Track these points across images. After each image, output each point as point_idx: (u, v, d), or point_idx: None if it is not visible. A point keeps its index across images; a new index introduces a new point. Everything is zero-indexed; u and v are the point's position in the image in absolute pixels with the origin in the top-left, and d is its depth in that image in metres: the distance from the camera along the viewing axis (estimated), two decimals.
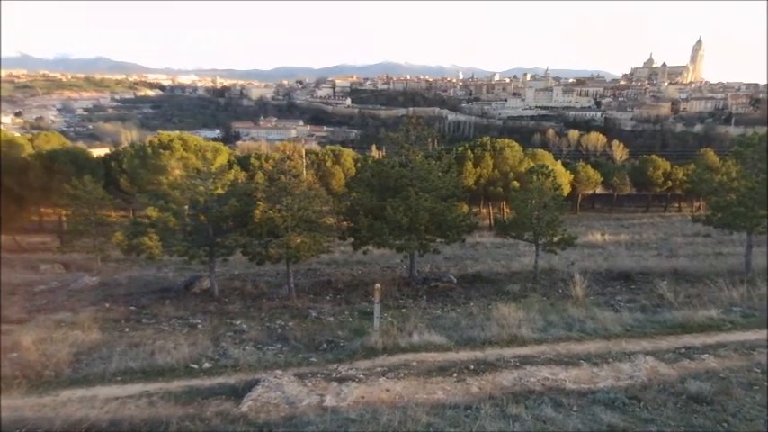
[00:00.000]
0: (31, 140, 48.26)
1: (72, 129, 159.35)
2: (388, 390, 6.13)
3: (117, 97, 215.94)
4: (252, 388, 6.23)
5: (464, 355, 7.54)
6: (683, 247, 26.16)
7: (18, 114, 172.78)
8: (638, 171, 53.11)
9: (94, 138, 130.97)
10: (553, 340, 8.20)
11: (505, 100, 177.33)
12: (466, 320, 9.60)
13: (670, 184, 51.09)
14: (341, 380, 6.45)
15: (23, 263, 22.75)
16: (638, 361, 7.12)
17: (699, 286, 12.48)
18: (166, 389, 6.64)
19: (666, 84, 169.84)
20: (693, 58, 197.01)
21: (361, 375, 6.56)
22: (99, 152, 49.58)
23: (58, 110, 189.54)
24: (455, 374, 6.61)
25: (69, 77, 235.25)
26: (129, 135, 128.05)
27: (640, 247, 27.09)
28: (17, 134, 78.99)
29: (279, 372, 7.09)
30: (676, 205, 55.00)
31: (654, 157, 53.75)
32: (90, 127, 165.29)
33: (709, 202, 16.58)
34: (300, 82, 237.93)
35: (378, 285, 8.12)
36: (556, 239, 14.48)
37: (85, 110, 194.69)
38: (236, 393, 6.25)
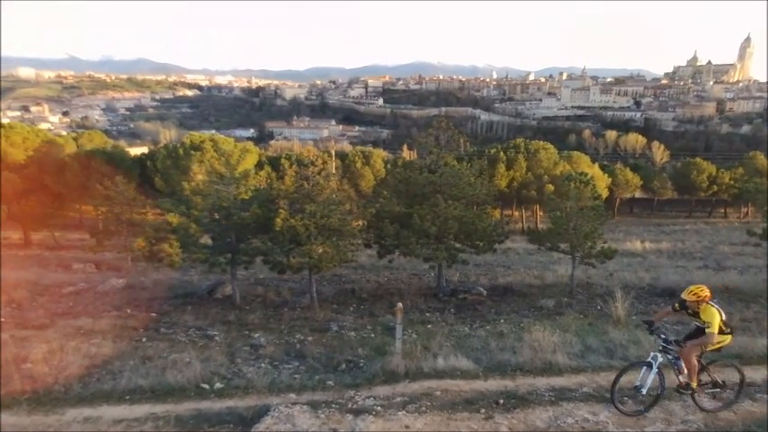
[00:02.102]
0: (75, 139, 50.10)
1: (115, 128, 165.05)
2: (407, 427, 5.58)
3: (157, 97, 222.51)
4: (261, 418, 5.79)
5: (493, 384, 6.91)
6: (732, 257, 24.55)
7: (65, 114, 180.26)
8: (680, 174, 50.63)
9: (135, 136, 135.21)
10: (592, 369, 7.46)
11: (540, 100, 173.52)
12: (496, 341, 8.93)
13: (715, 188, 48.49)
14: (357, 412, 5.93)
15: (58, 260, 23.26)
16: (691, 400, 6.32)
17: (754, 307, 11.42)
18: (174, 412, 6.28)
19: (712, 83, 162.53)
20: (741, 56, 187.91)
21: (379, 407, 6.02)
22: (139, 150, 50.92)
23: (102, 109, 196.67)
24: (482, 410, 5.99)
25: (113, 78, 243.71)
26: (167, 134, 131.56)
27: (684, 257, 25.64)
28: (63, 132, 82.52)
29: (293, 396, 6.65)
30: (722, 211, 52.23)
31: (698, 159, 51.14)
32: (131, 126, 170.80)
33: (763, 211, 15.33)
34: (333, 82, 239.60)
35: (400, 305, 7.56)
36: (594, 252, 13.57)
37: (127, 109, 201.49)
38: (245, 422, 5.82)
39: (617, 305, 10.87)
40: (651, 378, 5.74)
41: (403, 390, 6.73)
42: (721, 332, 5.72)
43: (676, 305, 6.01)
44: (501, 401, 6.23)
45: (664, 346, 5.89)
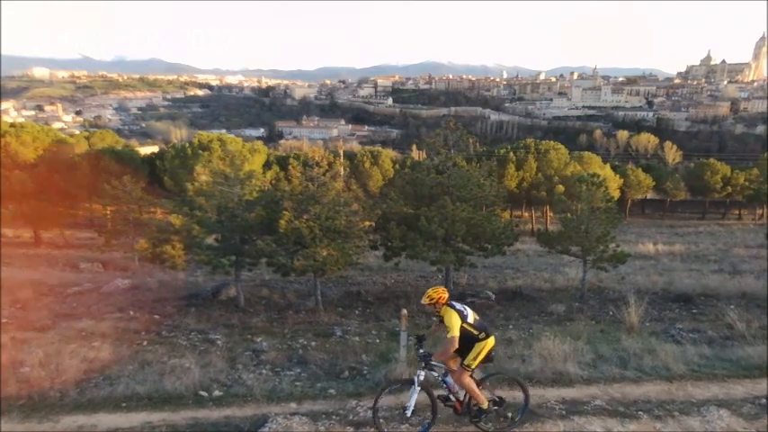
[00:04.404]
0: (87, 138, 50.55)
1: (126, 127, 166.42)
2: None
3: (168, 97, 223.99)
4: (259, 429, 5.58)
5: (501, 395, 6.62)
6: (748, 261, 24.00)
7: (78, 113, 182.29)
8: (693, 175, 49.83)
9: (147, 136, 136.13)
10: (605, 380, 7.16)
11: (551, 99, 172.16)
12: (504, 349, 8.63)
13: (729, 189, 47.64)
14: (358, 425, 5.69)
15: (66, 260, 23.30)
16: (710, 415, 6.02)
17: None
18: (171, 421, 6.09)
19: (726, 82, 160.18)
20: (756, 55, 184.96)
21: (382, 419, 5.76)
22: (150, 150, 51.16)
23: (115, 109, 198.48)
24: (490, 423, 5.72)
25: (125, 78, 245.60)
26: (178, 133, 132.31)
27: (698, 260, 25.12)
28: (76, 132, 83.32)
29: (293, 406, 6.43)
30: (736, 212, 51.32)
31: (712, 160, 50.27)
32: (143, 125, 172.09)
33: None
34: (343, 82, 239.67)
35: (405, 311, 7.32)
36: (606, 255, 13.21)
37: (139, 109, 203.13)
38: None
39: (630, 311, 10.51)
40: (414, 398, 5.21)
41: (407, 400, 6.47)
42: (470, 336, 5.19)
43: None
44: (509, 414, 5.95)
45: (426, 362, 5.28)
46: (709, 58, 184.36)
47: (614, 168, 46.05)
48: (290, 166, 14.55)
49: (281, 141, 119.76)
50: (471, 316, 5.26)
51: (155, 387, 6.95)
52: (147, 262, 12.48)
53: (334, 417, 5.90)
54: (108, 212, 27.38)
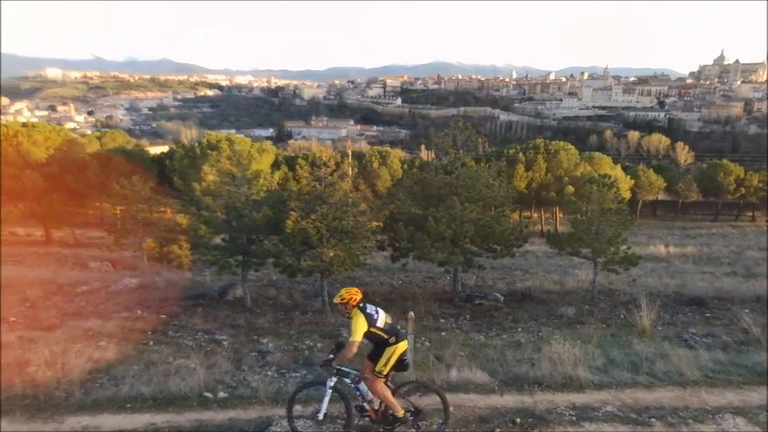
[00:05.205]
0: (99, 138, 51.03)
1: (137, 127, 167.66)
2: None
3: (179, 97, 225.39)
4: None
5: (510, 400, 6.51)
6: (761, 263, 23.52)
7: (90, 113, 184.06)
8: (705, 176, 49.13)
9: (157, 135, 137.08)
10: (616, 385, 7.00)
11: (561, 99, 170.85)
12: (513, 352, 8.51)
13: (743, 191, 46.93)
14: (362, 429, 5.59)
15: (76, 258, 23.45)
16: (726, 423, 5.85)
17: None
18: (175, 422, 6.04)
19: (739, 82, 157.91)
20: None
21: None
22: (160, 150, 51.50)
23: (126, 109, 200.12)
24: (498, 430, 5.61)
25: (136, 78, 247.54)
26: (188, 133, 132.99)
27: (710, 263, 24.73)
28: (88, 131, 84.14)
29: (298, 408, 6.34)
30: (749, 214, 50.53)
31: (725, 161, 49.55)
32: (153, 125, 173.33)
33: None
34: (352, 82, 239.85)
35: (411, 314, 7.22)
36: (617, 258, 13.00)
37: (150, 109, 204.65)
38: None
39: (642, 314, 10.32)
40: (326, 401, 5.09)
41: (414, 404, 6.37)
42: (381, 341, 5.04)
43: None
44: (518, 420, 5.83)
45: (337, 369, 5.12)
46: (722, 57, 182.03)
47: (625, 169, 45.58)
48: (297, 166, 14.51)
49: (290, 141, 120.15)
50: (382, 319, 5.09)
51: (159, 388, 6.91)
52: (155, 261, 12.46)
53: (338, 420, 5.81)
54: (117, 212, 27.58)
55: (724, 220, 49.24)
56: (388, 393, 5.15)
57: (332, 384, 5.14)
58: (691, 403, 6.46)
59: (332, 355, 5.22)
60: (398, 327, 5.34)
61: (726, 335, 9.95)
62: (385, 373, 5.09)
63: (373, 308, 5.15)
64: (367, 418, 5.31)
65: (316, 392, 5.80)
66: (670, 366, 7.62)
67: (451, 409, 5.56)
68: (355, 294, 5.09)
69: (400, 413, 5.15)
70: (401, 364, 5.21)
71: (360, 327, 4.92)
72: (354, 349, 4.94)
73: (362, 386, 5.21)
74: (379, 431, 5.32)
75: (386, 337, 5.07)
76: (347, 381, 5.23)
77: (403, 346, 5.16)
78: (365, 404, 5.23)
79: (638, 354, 8.25)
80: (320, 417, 5.14)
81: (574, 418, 5.90)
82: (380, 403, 5.20)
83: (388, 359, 5.07)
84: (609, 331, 10.24)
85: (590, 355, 7.96)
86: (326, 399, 5.12)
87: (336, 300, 5.18)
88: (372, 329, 5.00)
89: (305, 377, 7.75)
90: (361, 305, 5.09)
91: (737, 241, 34.98)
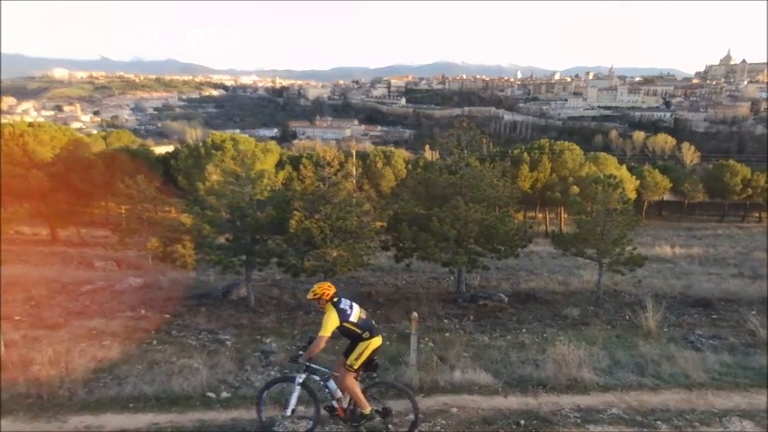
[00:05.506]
0: (104, 138, 51.28)
1: (143, 127, 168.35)
2: None
3: (184, 97, 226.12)
4: None
5: (513, 401, 6.47)
6: None
7: (96, 113, 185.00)
8: (712, 177, 48.81)
9: (162, 135, 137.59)
10: (622, 388, 6.94)
11: (566, 100, 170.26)
12: (517, 353, 8.45)
13: (749, 191, 46.59)
14: (367, 429, 5.56)
15: (81, 257, 23.53)
16: (733, 426, 5.79)
17: None
18: (177, 422, 6.04)
19: (746, 82, 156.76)
20: None
21: (391, 426, 5.64)
22: (165, 149, 51.66)
23: (131, 109, 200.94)
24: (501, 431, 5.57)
25: (142, 78, 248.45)
26: (193, 133, 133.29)
27: (716, 264, 24.54)
28: (94, 131, 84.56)
29: (301, 409, 6.31)
30: (756, 215, 50.19)
31: (731, 161, 49.22)
32: (159, 125, 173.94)
33: None
34: (356, 82, 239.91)
35: (415, 315, 7.17)
36: (623, 259, 12.91)
37: (155, 109, 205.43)
38: None
39: (647, 316, 10.24)
40: (295, 398, 5.09)
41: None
42: (355, 336, 5.02)
43: None
44: (522, 422, 5.79)
45: (307, 365, 5.11)
46: (729, 57, 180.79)
47: (630, 169, 45.33)
48: (301, 166, 14.51)
49: (295, 141, 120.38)
50: (356, 314, 5.07)
51: (162, 387, 6.90)
52: (159, 261, 12.48)
53: (341, 421, 5.78)
54: (122, 211, 27.65)
55: (730, 221, 48.93)
56: (358, 389, 5.14)
57: (300, 381, 5.14)
58: (697, 406, 6.40)
59: (302, 351, 5.19)
60: (374, 322, 5.31)
61: (732, 337, 9.86)
62: (356, 367, 5.09)
63: (347, 303, 5.13)
64: (336, 416, 5.31)
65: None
66: (676, 368, 7.55)
67: (420, 413, 5.47)
68: (328, 289, 5.07)
69: (367, 410, 5.14)
70: (371, 364, 5.21)
71: (331, 322, 4.91)
72: (322, 344, 4.95)
73: (331, 384, 5.21)
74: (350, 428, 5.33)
75: (359, 332, 5.06)
76: (316, 378, 5.22)
77: (377, 342, 5.15)
78: (334, 402, 5.23)
79: (644, 355, 8.19)
80: (288, 413, 5.14)
81: (578, 421, 5.85)
82: (349, 401, 5.19)
83: (361, 354, 5.06)
84: (614, 332, 10.17)
85: (595, 357, 7.89)
86: (295, 395, 5.12)
87: (309, 295, 5.17)
88: (345, 324, 4.99)
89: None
90: (334, 300, 5.06)
91: (744, 242, 34.72)
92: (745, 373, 7.61)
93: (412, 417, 5.39)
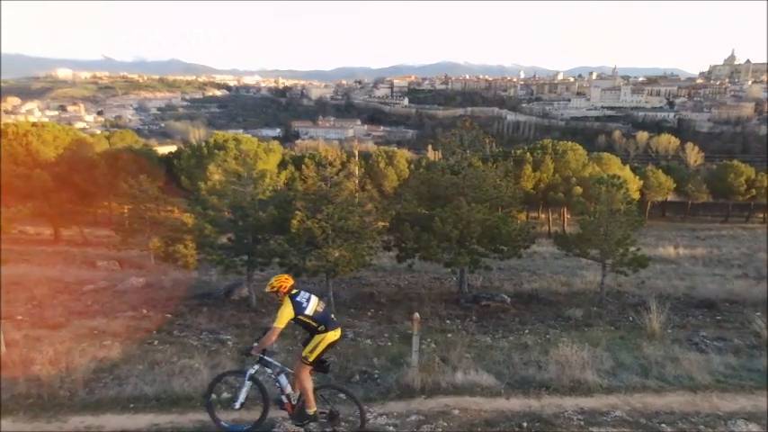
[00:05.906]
0: (108, 138, 51.37)
1: (146, 127, 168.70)
2: None
3: (187, 97, 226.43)
4: None
5: (516, 403, 6.42)
6: None
7: (100, 113, 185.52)
8: (716, 177, 48.62)
9: (166, 135, 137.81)
10: (625, 390, 6.88)
11: (569, 100, 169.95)
12: (519, 354, 8.40)
13: (753, 192, 46.40)
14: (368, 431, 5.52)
15: (84, 257, 23.58)
16: (738, 429, 5.74)
17: None
18: (177, 423, 6.01)
19: (750, 82, 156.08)
20: None
21: (392, 427, 5.61)
22: (168, 149, 51.69)
23: (135, 109, 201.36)
24: None
25: (145, 78, 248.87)
26: (196, 133, 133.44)
27: (720, 264, 24.43)
28: (97, 131, 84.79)
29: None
30: (760, 215, 49.95)
31: (735, 162, 49.01)
32: (162, 125, 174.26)
33: None
34: (359, 82, 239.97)
35: (417, 316, 7.13)
36: (626, 259, 12.84)
37: (159, 109, 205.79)
38: None
39: (651, 317, 10.16)
40: (245, 391, 5.09)
41: (419, 407, 6.30)
42: (311, 328, 5.01)
43: None
44: (525, 424, 5.74)
45: (260, 357, 5.10)
46: (733, 57, 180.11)
47: (634, 170, 45.19)
48: (303, 166, 14.49)
49: (298, 141, 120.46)
50: (312, 307, 5.05)
51: (163, 388, 6.88)
52: (162, 260, 12.47)
53: (343, 423, 5.74)
54: (125, 211, 27.70)
55: (734, 221, 48.73)
56: (309, 385, 5.14)
57: (251, 373, 5.14)
58: (702, 408, 6.33)
59: (255, 343, 5.18)
60: (332, 316, 5.29)
61: (737, 338, 9.78)
62: (311, 359, 5.09)
63: (305, 296, 5.13)
64: (285, 411, 5.28)
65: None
66: (680, 370, 7.48)
67: (368, 417, 5.45)
68: (285, 282, 5.09)
69: (312, 410, 5.14)
70: (322, 365, 5.21)
71: (285, 314, 4.93)
72: (275, 336, 4.96)
73: (282, 378, 5.21)
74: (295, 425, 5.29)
75: (314, 325, 5.06)
76: (269, 371, 5.21)
77: (333, 335, 5.13)
78: (283, 397, 5.20)
79: (648, 357, 8.12)
80: (236, 406, 5.15)
81: (582, 423, 5.80)
82: (299, 398, 5.18)
83: (315, 346, 5.07)
84: (617, 334, 10.10)
85: (598, 359, 7.83)
86: (245, 388, 5.14)
87: (267, 288, 5.17)
88: (300, 317, 4.99)
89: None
90: (292, 293, 5.07)
91: (748, 243, 34.55)
92: (749, 376, 7.53)
93: (358, 423, 5.34)
